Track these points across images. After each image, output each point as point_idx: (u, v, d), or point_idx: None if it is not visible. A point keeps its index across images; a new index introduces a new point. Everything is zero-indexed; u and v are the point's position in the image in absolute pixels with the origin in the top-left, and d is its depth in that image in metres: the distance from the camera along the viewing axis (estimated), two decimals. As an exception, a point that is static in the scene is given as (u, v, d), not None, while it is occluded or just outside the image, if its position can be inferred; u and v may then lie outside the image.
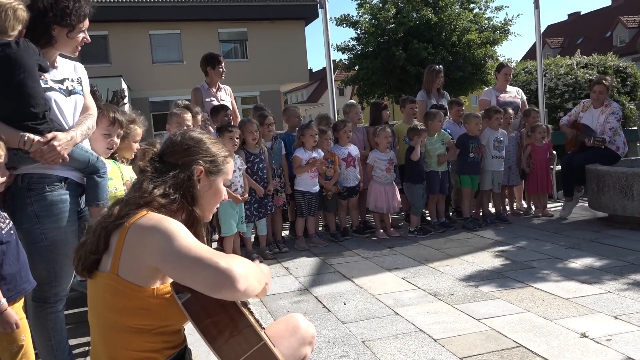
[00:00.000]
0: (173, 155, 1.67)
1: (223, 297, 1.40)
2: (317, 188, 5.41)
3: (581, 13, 47.73)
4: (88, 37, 2.49)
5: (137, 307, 1.48)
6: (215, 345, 1.39)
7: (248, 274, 1.42)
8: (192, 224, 1.65)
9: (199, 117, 4.37)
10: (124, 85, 18.81)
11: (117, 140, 2.95)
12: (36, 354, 2.42)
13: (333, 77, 6.72)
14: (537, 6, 7.22)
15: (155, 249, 1.44)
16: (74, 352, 2.70)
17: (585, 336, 2.90)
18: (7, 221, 2.22)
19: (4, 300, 2.11)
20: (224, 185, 1.77)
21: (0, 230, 2.16)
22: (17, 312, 2.20)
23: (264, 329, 1.56)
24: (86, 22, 2.46)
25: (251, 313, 1.55)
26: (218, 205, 1.80)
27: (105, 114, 2.83)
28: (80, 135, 2.44)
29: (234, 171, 4.67)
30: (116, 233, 1.51)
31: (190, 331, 1.43)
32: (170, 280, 1.50)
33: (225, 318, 1.43)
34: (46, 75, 2.38)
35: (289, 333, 1.79)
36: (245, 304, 1.56)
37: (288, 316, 1.90)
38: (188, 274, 1.40)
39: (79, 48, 2.50)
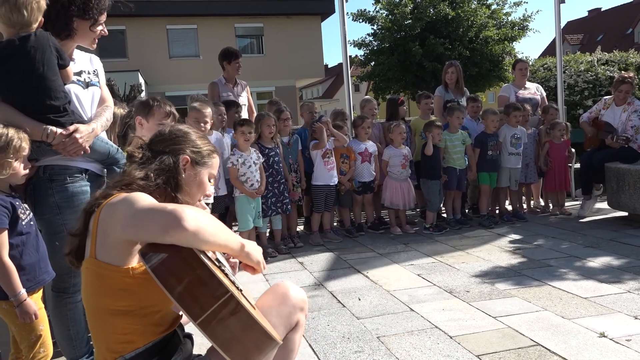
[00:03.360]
0: (161, 143, 1.74)
1: (174, 238, 1.39)
2: (335, 180, 5.39)
3: (602, 9, 46.95)
4: (106, 30, 2.52)
5: (115, 288, 1.50)
6: (180, 301, 1.36)
7: (199, 217, 1.42)
8: None
9: (207, 111, 4.28)
10: (141, 80, 18.94)
11: None
12: (55, 344, 2.46)
13: (349, 73, 6.69)
14: (562, 0, 7.09)
15: (120, 218, 1.46)
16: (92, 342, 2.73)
17: (604, 336, 2.85)
18: (28, 212, 2.25)
19: (23, 291, 2.14)
20: (209, 180, 1.81)
21: (21, 221, 2.19)
22: (35, 302, 2.23)
23: (241, 291, 1.51)
24: (105, 15, 2.49)
25: (226, 275, 1.50)
26: (211, 200, 1.84)
27: (162, 107, 3.00)
28: (100, 127, 2.47)
29: (249, 166, 4.70)
30: (93, 216, 1.55)
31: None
32: None
33: (187, 269, 1.39)
34: None
35: (278, 302, 1.77)
36: (219, 267, 1.52)
37: (275, 285, 1.87)
38: (142, 226, 1.42)
39: (97, 41, 2.54)
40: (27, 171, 2.23)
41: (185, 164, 1.71)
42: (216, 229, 1.48)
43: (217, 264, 1.53)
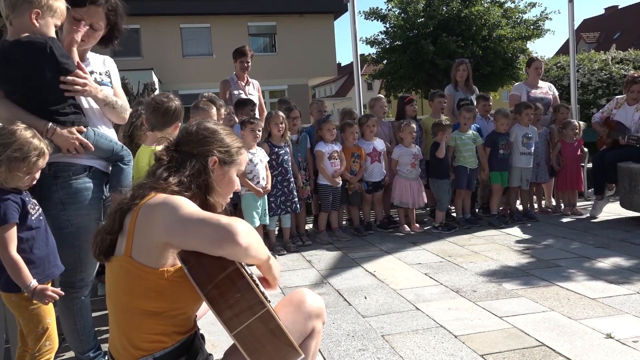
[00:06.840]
0: (189, 144, 1.71)
1: (225, 252, 1.42)
2: (339, 182, 5.40)
3: (619, 7, 46.23)
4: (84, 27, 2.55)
5: (148, 289, 1.52)
6: (219, 311, 1.40)
7: (250, 233, 1.45)
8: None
9: (222, 110, 4.39)
10: (155, 78, 19.10)
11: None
12: (63, 339, 2.50)
13: (360, 71, 6.67)
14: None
15: (163, 222, 1.47)
16: (99, 337, 2.77)
17: (610, 337, 2.83)
18: (37, 207, 2.29)
19: (34, 281, 2.17)
20: (237, 176, 1.81)
21: (30, 216, 2.23)
22: (44, 295, 2.26)
23: (269, 302, 1.55)
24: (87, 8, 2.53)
25: (257, 285, 1.54)
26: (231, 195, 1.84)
27: (178, 117, 2.95)
28: (106, 97, 2.51)
29: (256, 164, 4.72)
30: (129, 215, 1.56)
31: (213, 320, 1.44)
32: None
33: (228, 283, 1.43)
34: None
35: (294, 309, 1.78)
36: (251, 278, 1.55)
37: (293, 292, 1.89)
38: (192, 236, 1.43)
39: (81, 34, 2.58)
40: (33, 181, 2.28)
41: (214, 165, 1.70)
42: (259, 243, 1.52)
43: (253, 277, 1.58)
